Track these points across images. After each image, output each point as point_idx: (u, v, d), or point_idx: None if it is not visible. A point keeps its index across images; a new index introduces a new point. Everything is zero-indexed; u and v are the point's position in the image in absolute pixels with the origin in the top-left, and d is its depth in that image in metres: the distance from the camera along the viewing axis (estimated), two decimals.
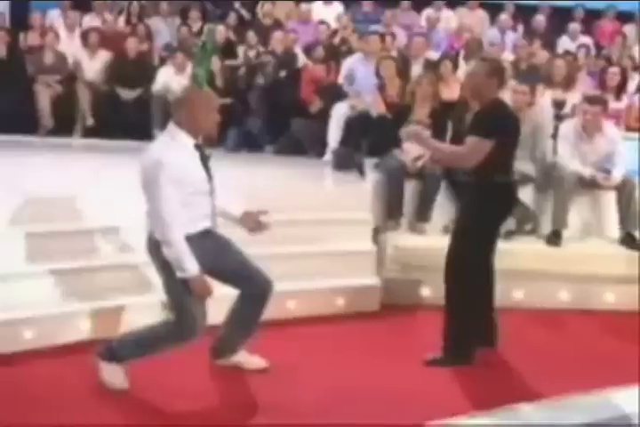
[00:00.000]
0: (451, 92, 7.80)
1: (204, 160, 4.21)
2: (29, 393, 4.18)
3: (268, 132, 8.65)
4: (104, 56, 9.54)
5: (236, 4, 11.25)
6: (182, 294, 4.13)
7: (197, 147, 4.19)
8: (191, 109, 4.14)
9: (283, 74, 8.98)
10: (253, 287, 4.37)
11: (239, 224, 4.45)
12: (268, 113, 8.66)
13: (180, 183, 4.03)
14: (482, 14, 11.47)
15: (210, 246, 4.19)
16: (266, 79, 8.88)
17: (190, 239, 4.09)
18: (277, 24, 10.49)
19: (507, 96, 6.61)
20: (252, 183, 6.29)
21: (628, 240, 6.26)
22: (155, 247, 4.14)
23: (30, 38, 9.87)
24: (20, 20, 10.84)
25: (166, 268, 4.13)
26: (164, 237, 4.06)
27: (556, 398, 4.28)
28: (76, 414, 3.99)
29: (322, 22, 10.36)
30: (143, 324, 4.39)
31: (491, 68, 4.74)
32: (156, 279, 4.38)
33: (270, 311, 4.49)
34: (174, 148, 4.12)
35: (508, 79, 7.38)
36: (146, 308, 4.94)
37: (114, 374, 4.26)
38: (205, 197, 4.20)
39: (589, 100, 6.59)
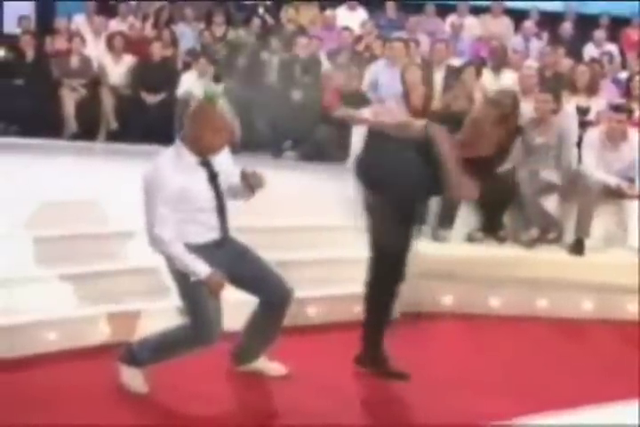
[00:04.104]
0: None
1: (213, 177, 4.09)
2: (49, 395, 4.19)
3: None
4: (128, 60, 9.59)
5: (260, 10, 11.28)
6: (197, 299, 4.12)
7: (204, 164, 4.06)
8: (195, 128, 4.01)
9: (307, 80, 8.99)
10: (272, 295, 4.33)
11: (243, 187, 4.16)
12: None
13: (179, 200, 3.96)
14: (506, 21, 11.43)
15: (222, 255, 4.15)
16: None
17: (199, 249, 4.07)
18: (301, 30, 10.50)
19: (530, 106, 6.58)
20: (270, 188, 6.27)
21: None
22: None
23: (57, 42, 9.94)
24: (45, 23, 10.93)
25: (179, 273, 4.13)
26: (165, 253, 4.08)
27: (578, 408, 4.23)
28: (95, 416, 4.00)
29: (345, 28, 10.36)
30: (162, 327, 4.38)
31: (499, 116, 4.14)
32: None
33: (290, 318, 4.47)
34: (177, 164, 4.01)
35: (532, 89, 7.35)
36: (164, 312, 4.93)
37: (133, 378, 4.27)
38: (212, 212, 4.11)
39: (614, 108, 6.56)
